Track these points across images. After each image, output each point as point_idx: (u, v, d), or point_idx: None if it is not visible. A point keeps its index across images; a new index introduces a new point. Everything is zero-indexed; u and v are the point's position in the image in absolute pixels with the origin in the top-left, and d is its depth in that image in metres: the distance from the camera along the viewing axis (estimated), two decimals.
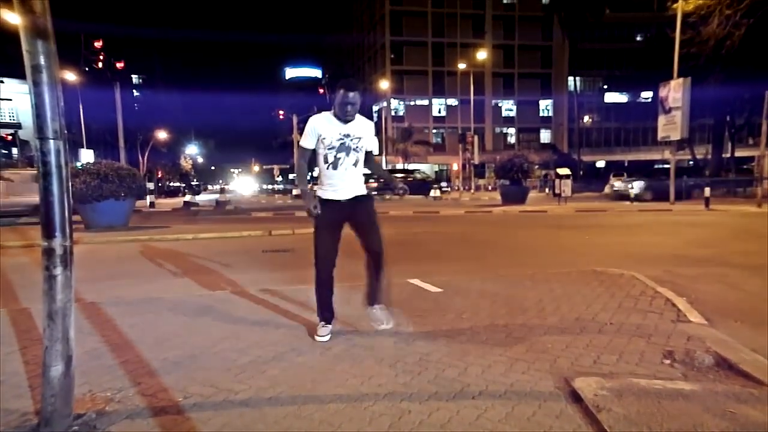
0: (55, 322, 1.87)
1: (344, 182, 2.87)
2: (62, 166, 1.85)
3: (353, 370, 2.56)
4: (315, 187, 2.97)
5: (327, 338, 2.99)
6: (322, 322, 3.04)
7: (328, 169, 2.85)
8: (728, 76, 23.11)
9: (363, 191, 2.94)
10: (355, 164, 2.88)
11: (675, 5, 16.69)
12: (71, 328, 1.92)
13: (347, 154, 2.84)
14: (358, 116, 2.88)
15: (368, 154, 2.97)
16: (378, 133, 48.88)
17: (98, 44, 49.72)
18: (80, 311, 3.67)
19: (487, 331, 3.17)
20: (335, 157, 2.82)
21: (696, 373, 2.51)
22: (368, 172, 3.01)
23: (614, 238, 8.52)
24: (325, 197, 2.89)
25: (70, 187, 1.92)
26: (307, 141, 2.84)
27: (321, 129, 2.82)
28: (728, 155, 32.87)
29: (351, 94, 2.75)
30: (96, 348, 2.96)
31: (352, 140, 2.83)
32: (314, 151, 2.88)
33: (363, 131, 2.88)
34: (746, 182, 22.54)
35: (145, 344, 3.00)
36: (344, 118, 2.81)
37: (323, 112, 2.90)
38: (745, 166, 31.19)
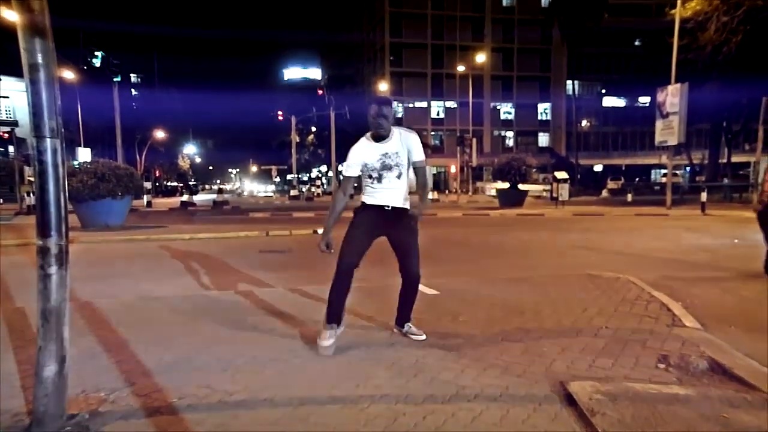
0: (50, 322, 1.86)
1: (388, 191, 2.87)
2: (58, 164, 1.85)
3: (349, 372, 2.56)
4: (362, 196, 2.98)
5: (329, 343, 2.78)
6: (328, 330, 2.81)
7: (372, 183, 2.88)
8: (725, 82, 23.25)
9: (406, 205, 2.90)
10: (399, 176, 2.87)
11: (673, 11, 16.79)
12: (66, 328, 1.91)
13: (390, 170, 2.85)
14: (396, 130, 2.87)
15: (416, 168, 2.91)
16: None
17: (96, 42, 49.63)
18: (75, 311, 3.65)
19: (483, 334, 3.17)
20: (379, 174, 2.85)
21: (690, 377, 2.52)
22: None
23: (611, 242, 8.54)
24: (368, 202, 2.91)
25: (66, 186, 1.92)
26: (351, 170, 2.88)
27: (364, 156, 2.86)
28: (725, 160, 33.02)
29: (375, 107, 2.78)
30: (91, 348, 2.94)
31: (390, 157, 2.84)
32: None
33: (401, 145, 2.86)
34: (742, 188, 22.67)
35: (141, 344, 2.99)
36: (377, 131, 2.82)
37: (362, 139, 2.92)
38: (741, 172, 31.36)
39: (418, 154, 2.87)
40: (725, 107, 28.21)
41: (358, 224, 2.88)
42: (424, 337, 3.02)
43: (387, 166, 2.84)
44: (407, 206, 2.92)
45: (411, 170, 2.91)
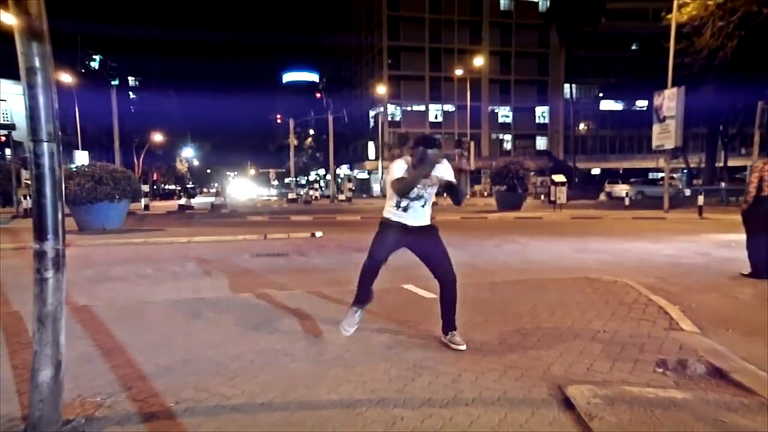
0: (46, 326, 1.85)
1: (410, 218, 2.97)
2: (55, 168, 1.84)
3: (347, 376, 2.55)
4: (384, 212, 3.04)
5: (351, 331, 3.00)
6: (354, 307, 3.01)
7: (398, 209, 2.97)
8: (721, 86, 23.36)
9: (428, 221, 3.03)
10: (423, 205, 2.99)
11: (669, 16, 16.89)
12: (62, 332, 1.90)
13: (418, 200, 2.96)
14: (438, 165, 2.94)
15: (449, 184, 2.97)
16: (374, 138, 48.86)
17: (94, 45, 49.49)
18: (72, 315, 3.64)
19: (481, 337, 3.17)
20: (408, 204, 2.94)
21: (688, 381, 2.52)
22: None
23: (609, 245, 8.55)
24: (392, 219, 2.99)
25: (63, 190, 1.91)
26: (402, 173, 2.93)
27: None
28: (721, 164, 33.18)
29: (430, 152, 2.86)
30: (87, 352, 2.93)
31: (424, 188, 2.94)
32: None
33: (436, 177, 2.93)
34: (738, 191, 22.76)
35: (138, 348, 2.98)
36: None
37: (406, 158, 2.99)
38: (737, 175, 31.51)
39: (450, 176, 2.96)
40: (722, 111, 28.37)
41: (384, 234, 2.99)
42: (464, 347, 2.97)
43: (418, 196, 2.94)
44: (429, 221, 3.03)
45: (434, 194, 3.00)
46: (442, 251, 3.03)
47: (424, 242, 3.02)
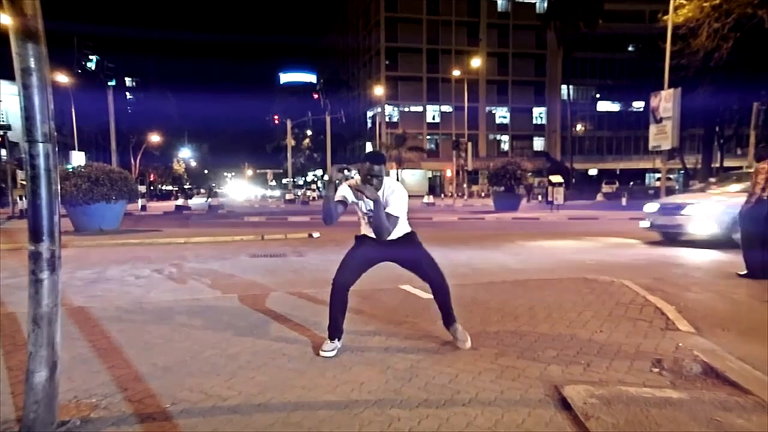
0: (41, 327, 1.84)
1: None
2: (51, 169, 1.84)
3: (343, 377, 2.55)
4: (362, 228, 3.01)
5: (332, 354, 2.85)
6: (329, 339, 2.92)
7: (367, 224, 2.93)
8: (717, 87, 23.47)
9: (402, 233, 2.94)
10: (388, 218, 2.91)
11: (665, 17, 16.96)
12: (57, 334, 1.89)
13: (367, 215, 2.91)
14: (386, 181, 2.84)
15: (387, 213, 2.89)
16: (372, 138, 48.87)
17: (91, 46, 49.38)
18: (67, 316, 3.62)
19: (478, 338, 3.17)
20: (369, 219, 2.89)
21: (684, 381, 2.53)
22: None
23: (605, 245, 8.58)
24: (363, 233, 2.95)
25: (59, 191, 1.91)
26: (338, 196, 2.87)
27: (346, 193, 2.88)
28: (717, 165, 33.33)
29: (376, 167, 2.77)
30: (83, 353, 2.92)
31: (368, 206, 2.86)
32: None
33: (387, 197, 2.83)
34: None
35: (134, 349, 2.97)
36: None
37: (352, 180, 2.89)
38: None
39: (393, 208, 2.82)
40: (718, 112, 28.49)
41: (356, 251, 2.94)
42: (468, 345, 2.96)
43: (363, 212, 2.89)
44: (406, 231, 2.97)
45: (399, 205, 2.84)
46: (424, 255, 2.97)
47: (404, 251, 2.95)
